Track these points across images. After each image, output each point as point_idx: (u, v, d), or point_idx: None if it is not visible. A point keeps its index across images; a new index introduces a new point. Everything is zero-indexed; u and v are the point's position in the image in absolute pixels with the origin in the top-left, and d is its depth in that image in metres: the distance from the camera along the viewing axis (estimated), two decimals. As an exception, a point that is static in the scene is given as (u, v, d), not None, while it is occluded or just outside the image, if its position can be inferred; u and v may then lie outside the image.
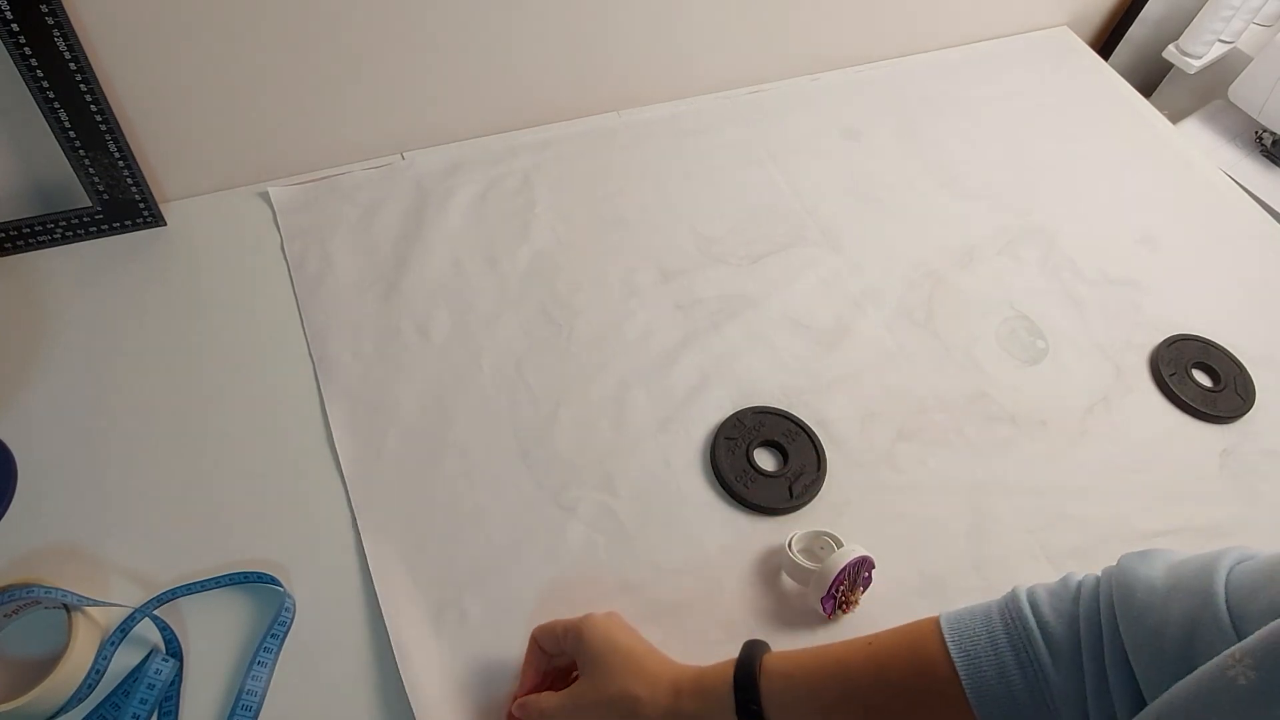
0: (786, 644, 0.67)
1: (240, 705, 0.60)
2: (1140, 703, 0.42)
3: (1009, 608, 0.50)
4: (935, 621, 0.52)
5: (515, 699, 0.60)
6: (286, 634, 0.64)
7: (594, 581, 0.69)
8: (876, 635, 0.54)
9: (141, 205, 0.83)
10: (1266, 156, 1.20)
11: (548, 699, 0.57)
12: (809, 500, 0.75)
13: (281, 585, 0.66)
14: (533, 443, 0.76)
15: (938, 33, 1.17)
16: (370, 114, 0.91)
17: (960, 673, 0.48)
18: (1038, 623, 0.48)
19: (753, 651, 0.55)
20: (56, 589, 0.60)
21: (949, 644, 0.50)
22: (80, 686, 0.59)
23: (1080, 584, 0.49)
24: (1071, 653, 0.47)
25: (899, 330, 0.88)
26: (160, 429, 0.73)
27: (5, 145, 0.76)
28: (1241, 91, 1.18)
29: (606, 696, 0.55)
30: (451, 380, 0.79)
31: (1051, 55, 1.22)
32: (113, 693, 0.60)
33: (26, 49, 0.68)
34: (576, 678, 0.58)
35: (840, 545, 0.69)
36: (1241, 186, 1.10)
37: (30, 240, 0.81)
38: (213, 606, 0.65)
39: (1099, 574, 0.50)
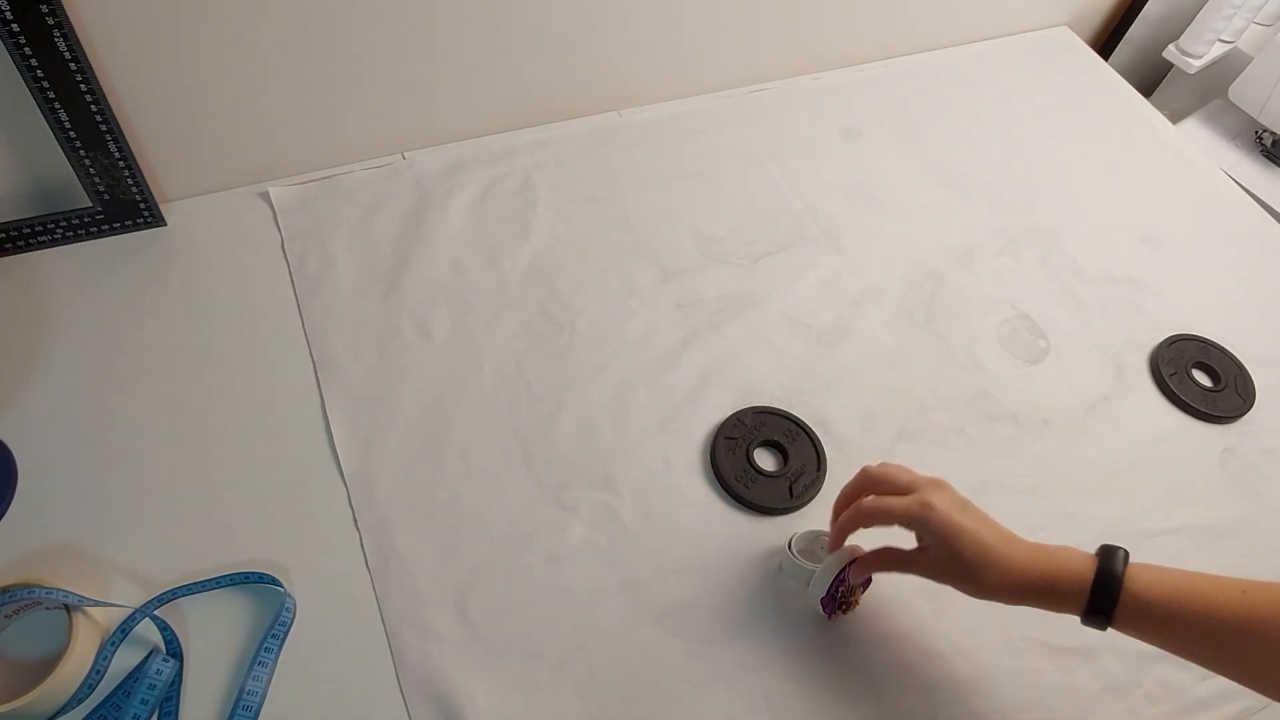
0: (786, 644, 0.67)
1: (240, 705, 0.60)
2: None
3: None
4: None
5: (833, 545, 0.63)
6: (287, 634, 0.64)
7: (594, 582, 0.69)
8: (1252, 582, 0.53)
9: (141, 205, 0.83)
10: (1266, 156, 1.20)
11: (897, 555, 0.61)
12: (809, 500, 0.75)
13: (282, 585, 0.66)
14: (533, 443, 0.76)
15: (938, 33, 1.17)
16: (370, 114, 0.91)
17: None
18: None
19: (1113, 562, 0.55)
20: (57, 589, 0.60)
21: None
22: (80, 687, 0.59)
23: None
24: None
25: (899, 330, 0.88)
26: (160, 429, 0.73)
27: (5, 145, 0.76)
28: (1241, 91, 1.18)
29: (955, 572, 0.58)
30: (451, 380, 0.79)
31: (1051, 55, 1.22)
32: (113, 693, 0.60)
33: (26, 49, 0.68)
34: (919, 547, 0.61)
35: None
36: (1241, 186, 1.10)
37: (30, 240, 0.81)
38: (213, 606, 0.65)
39: None
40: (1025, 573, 0.57)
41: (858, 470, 0.64)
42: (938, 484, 0.61)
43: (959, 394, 0.84)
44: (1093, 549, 0.75)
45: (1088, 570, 0.56)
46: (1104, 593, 0.54)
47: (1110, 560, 0.56)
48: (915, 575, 0.61)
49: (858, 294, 0.90)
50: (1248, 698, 0.69)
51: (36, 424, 0.72)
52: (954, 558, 0.58)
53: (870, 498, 0.62)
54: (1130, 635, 0.55)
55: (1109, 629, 0.56)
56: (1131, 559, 0.56)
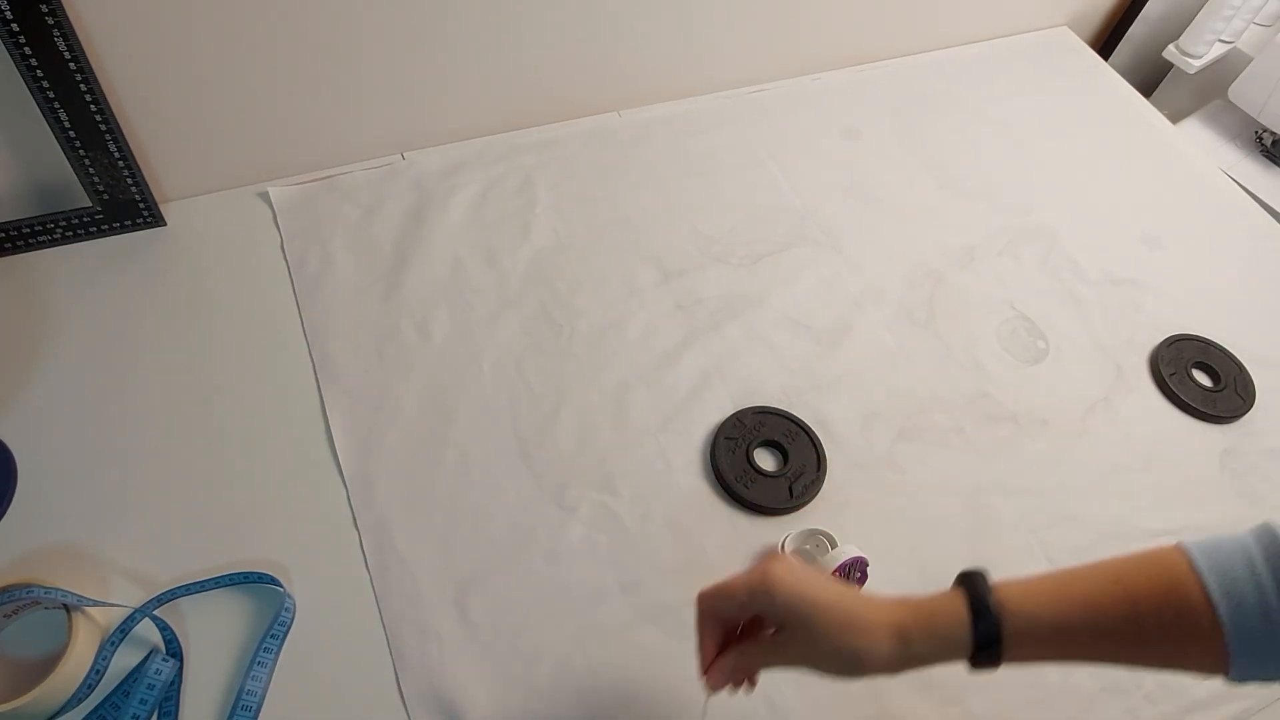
0: (787, 644, 0.67)
1: (240, 705, 0.60)
2: None
3: (1271, 544, 0.46)
4: (1185, 559, 0.47)
5: (704, 667, 0.54)
6: (286, 634, 0.64)
7: (594, 581, 0.69)
8: (1120, 570, 0.49)
9: (141, 205, 0.83)
10: (1266, 156, 1.20)
11: (753, 653, 0.53)
12: (809, 500, 0.75)
13: (281, 585, 0.66)
14: (533, 443, 0.76)
15: (938, 33, 1.17)
16: (370, 114, 0.91)
17: (1221, 614, 0.45)
18: None
19: (979, 587, 0.50)
20: (56, 589, 0.60)
21: (1207, 582, 0.46)
22: (80, 686, 0.59)
23: None
24: None
25: (899, 330, 0.88)
26: (160, 429, 0.73)
27: (5, 145, 0.76)
28: (1241, 91, 1.18)
29: (823, 654, 0.50)
30: (451, 380, 0.79)
31: (1051, 55, 1.22)
32: (113, 693, 0.60)
33: (26, 49, 0.68)
34: (773, 630, 0.53)
35: (835, 544, 0.69)
36: (1241, 186, 1.10)
37: (30, 240, 0.81)
38: (213, 606, 0.65)
39: None
40: (902, 631, 0.50)
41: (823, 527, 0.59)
42: (774, 557, 0.53)
43: (959, 394, 0.84)
44: (1093, 549, 0.75)
45: (959, 604, 0.50)
46: (982, 610, 0.49)
47: (973, 584, 0.51)
48: (779, 667, 0.53)
49: (858, 294, 0.90)
50: (1248, 698, 0.69)
51: (36, 424, 0.72)
52: (810, 623, 0.50)
53: (707, 588, 0.54)
54: (1023, 660, 0.50)
55: (1000, 665, 0.50)
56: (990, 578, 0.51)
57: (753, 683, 0.56)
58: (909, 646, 0.50)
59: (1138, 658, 0.49)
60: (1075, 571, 0.51)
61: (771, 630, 0.53)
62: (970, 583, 0.51)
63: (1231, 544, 0.47)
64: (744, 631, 0.55)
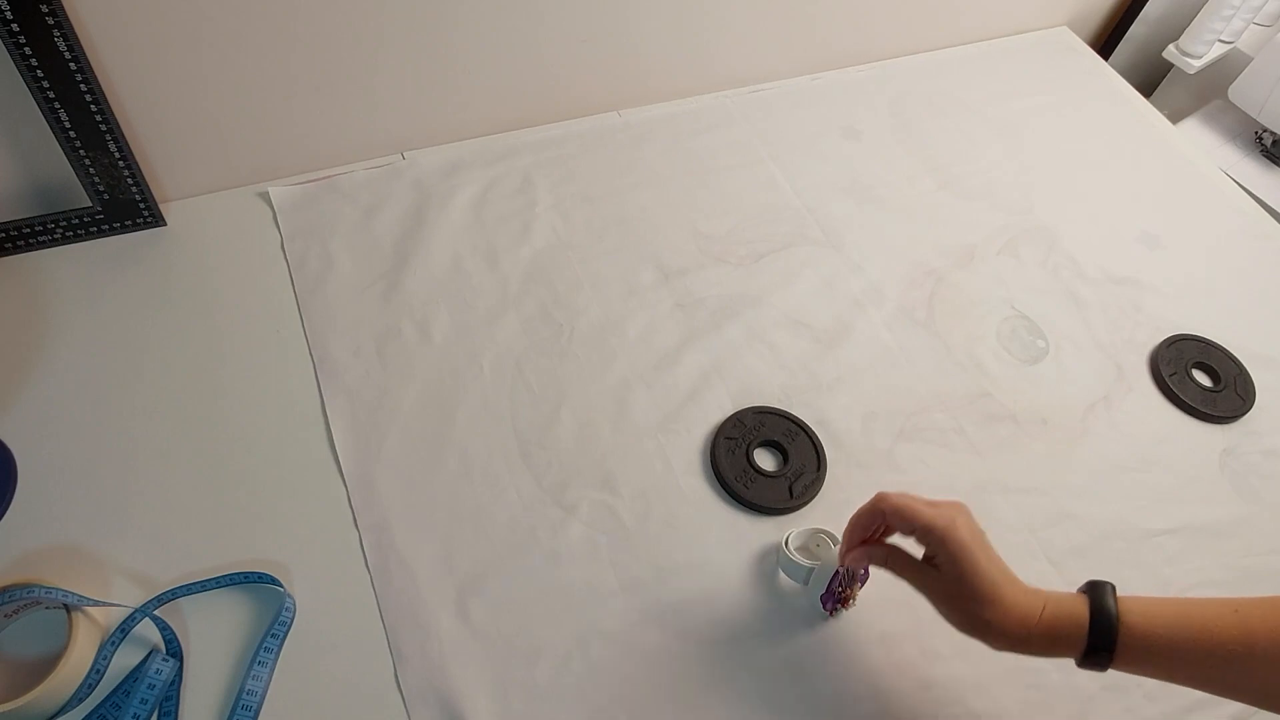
0: (786, 644, 0.67)
1: (240, 705, 0.60)
2: None
3: None
4: None
5: (847, 550, 0.62)
6: (286, 634, 0.64)
7: (594, 581, 0.69)
8: (1244, 601, 0.52)
9: (141, 205, 0.83)
10: (1266, 156, 1.20)
11: (905, 562, 0.59)
12: (809, 500, 0.75)
13: (282, 585, 0.66)
14: (533, 443, 0.76)
15: (938, 33, 1.17)
16: (370, 114, 0.91)
17: None
18: None
19: (1105, 599, 0.53)
20: (56, 589, 0.60)
21: None
22: (80, 686, 0.59)
23: None
24: None
25: (899, 329, 0.88)
26: (160, 429, 0.73)
27: (5, 145, 0.76)
28: (1241, 91, 1.18)
29: (958, 609, 0.56)
30: (451, 380, 0.79)
31: (1051, 55, 1.22)
32: (113, 693, 0.60)
33: (26, 49, 0.68)
34: (927, 557, 0.58)
35: (837, 542, 0.69)
36: (1241, 186, 1.10)
37: (30, 240, 0.81)
38: (213, 606, 0.65)
39: None
40: (1026, 620, 0.54)
41: (873, 494, 0.61)
42: (962, 508, 0.58)
43: (959, 393, 0.84)
44: (1093, 548, 0.75)
45: (1082, 611, 0.54)
46: (1103, 632, 0.52)
47: (1102, 597, 0.54)
48: (914, 587, 0.59)
49: (858, 294, 0.90)
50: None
51: (36, 424, 0.72)
52: (962, 581, 0.55)
53: (898, 493, 0.59)
54: (1130, 671, 0.54)
55: (1109, 669, 0.54)
56: (1119, 592, 0.54)
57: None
58: (1029, 636, 0.54)
59: (1246, 685, 0.51)
60: (1196, 599, 0.53)
61: (925, 555, 0.59)
62: (1096, 594, 0.54)
63: None
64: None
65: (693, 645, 0.67)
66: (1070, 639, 0.53)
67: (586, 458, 0.75)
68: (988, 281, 0.93)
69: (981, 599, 0.55)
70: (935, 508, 0.58)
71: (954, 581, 0.56)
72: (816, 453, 0.77)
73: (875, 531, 0.61)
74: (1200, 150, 1.14)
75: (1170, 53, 1.23)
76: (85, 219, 0.82)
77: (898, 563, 0.60)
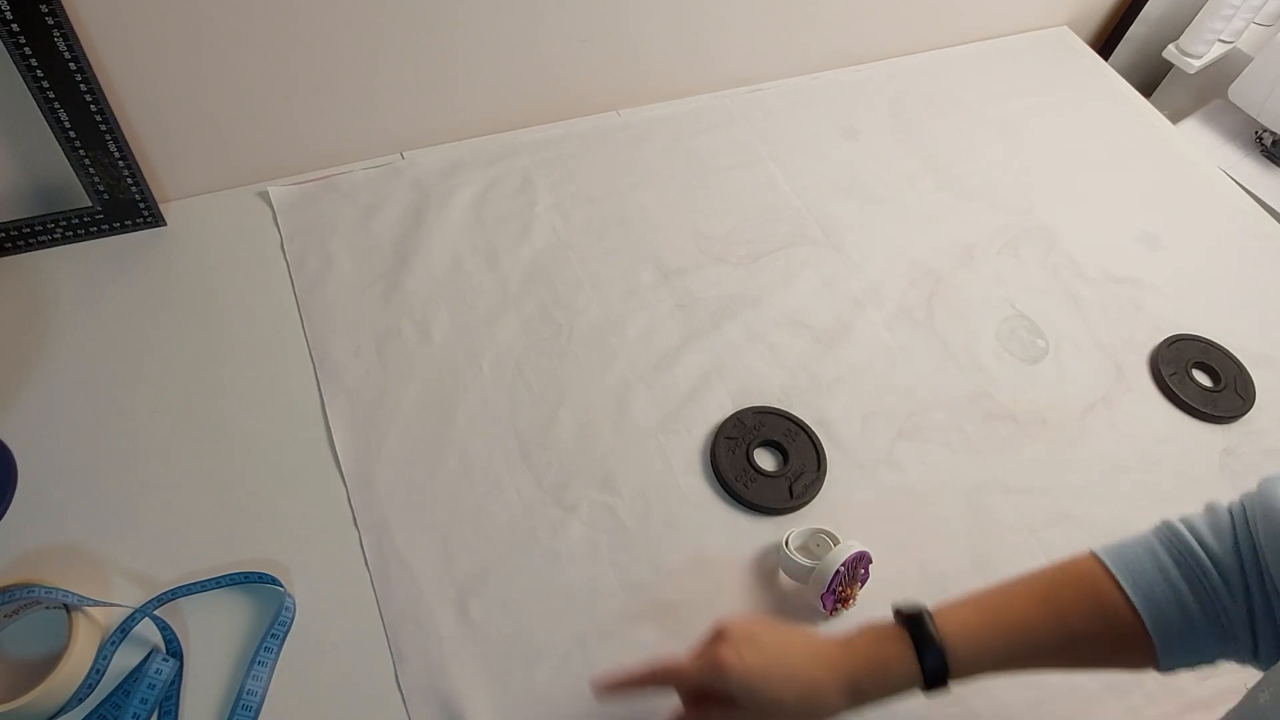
0: (787, 644, 0.67)
1: (240, 705, 0.60)
2: None
3: (1172, 541, 0.50)
4: (1101, 567, 0.51)
5: (612, 683, 0.56)
6: (286, 634, 0.64)
7: (594, 581, 0.69)
8: (1046, 590, 0.53)
9: (141, 205, 0.83)
10: (1266, 156, 1.20)
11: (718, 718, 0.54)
12: (809, 500, 0.75)
13: (282, 585, 0.66)
14: (533, 443, 0.76)
15: (938, 32, 1.17)
16: (370, 114, 0.91)
17: (1143, 615, 0.48)
18: (1205, 552, 0.48)
19: (924, 626, 0.52)
20: (56, 589, 0.60)
21: (1125, 588, 0.49)
22: (80, 686, 0.59)
23: (1230, 510, 0.49)
24: (1238, 576, 0.47)
25: (899, 329, 0.88)
26: (160, 429, 0.73)
27: (5, 145, 0.76)
28: (1241, 91, 1.18)
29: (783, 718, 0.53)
30: (451, 380, 0.79)
31: (1051, 55, 1.22)
32: (113, 693, 0.60)
33: (26, 49, 0.68)
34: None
35: (837, 541, 0.69)
36: (1241, 186, 1.10)
37: (30, 240, 0.81)
38: (213, 606, 0.65)
39: (1240, 499, 0.50)
40: (853, 680, 0.52)
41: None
42: (718, 633, 0.54)
43: (958, 393, 0.84)
44: (1092, 547, 0.75)
45: (904, 645, 0.52)
46: (931, 653, 0.51)
47: (915, 623, 0.52)
48: None
49: (858, 294, 0.90)
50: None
51: (36, 424, 0.72)
52: (767, 705, 0.51)
53: (659, 666, 0.55)
54: (969, 680, 0.52)
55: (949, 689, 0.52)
56: (927, 608, 0.53)
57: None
58: (863, 696, 0.52)
59: (1074, 664, 0.52)
60: (1004, 595, 0.54)
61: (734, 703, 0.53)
62: (911, 625, 0.53)
63: (1137, 545, 0.51)
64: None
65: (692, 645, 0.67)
66: (908, 678, 0.51)
67: (586, 458, 0.75)
68: (988, 281, 0.93)
69: (796, 699, 0.52)
70: (698, 657, 0.54)
71: (762, 707, 0.52)
72: (816, 453, 0.77)
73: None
74: (1200, 150, 1.14)
75: (1170, 53, 1.23)
76: (85, 219, 0.82)
77: None
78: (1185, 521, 0.51)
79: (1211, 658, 0.49)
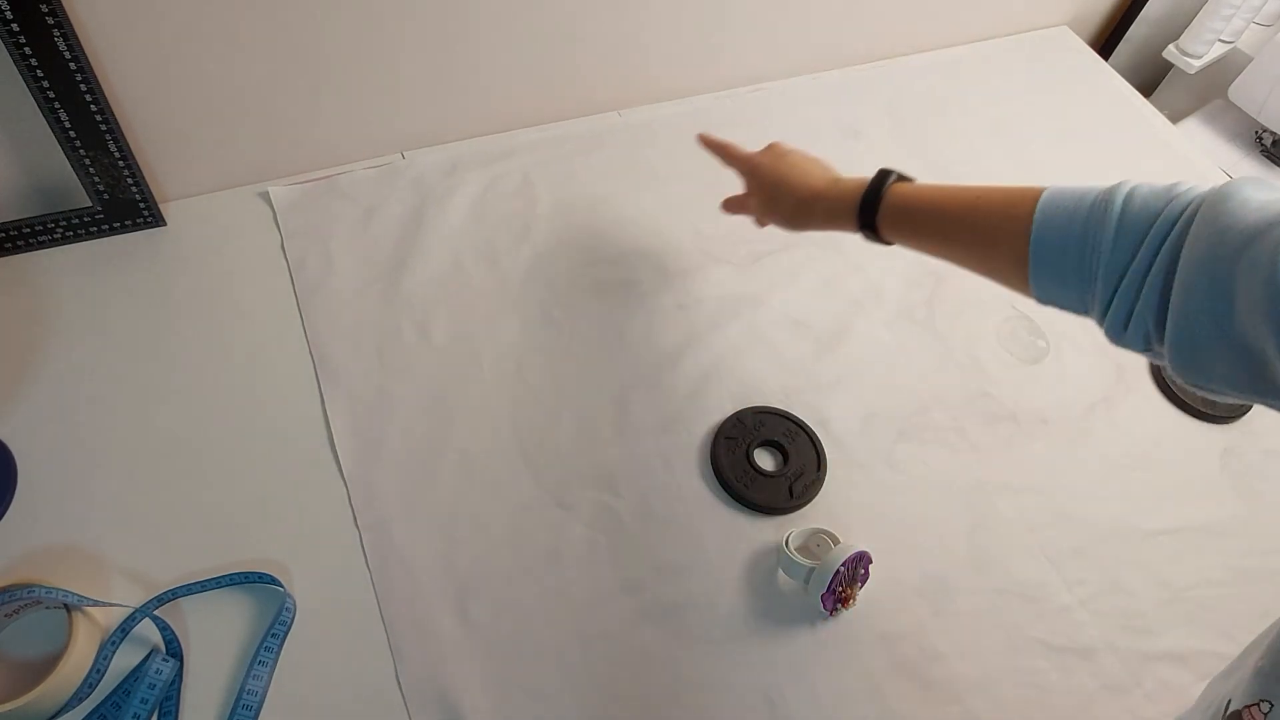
0: (786, 644, 0.67)
1: (241, 705, 0.60)
2: (1162, 315, 0.46)
3: (1107, 190, 0.51)
4: (1040, 189, 0.54)
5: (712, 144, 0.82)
6: (287, 634, 0.64)
7: (594, 581, 0.69)
8: (991, 188, 0.59)
9: (141, 205, 0.83)
10: (1266, 156, 1.20)
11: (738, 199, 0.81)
12: (809, 500, 0.75)
13: (282, 585, 0.66)
14: (533, 443, 0.76)
15: (938, 33, 1.17)
16: (370, 114, 0.91)
17: (1034, 226, 0.52)
18: (1123, 205, 0.50)
19: (884, 179, 0.65)
20: (56, 589, 0.60)
21: (1039, 204, 0.53)
22: (80, 686, 0.59)
23: (1186, 190, 0.50)
24: (1136, 236, 0.48)
25: (899, 330, 0.88)
26: (160, 429, 0.73)
27: (5, 145, 0.76)
28: (1241, 91, 1.18)
29: (767, 209, 0.77)
30: (451, 380, 0.79)
31: (1051, 55, 1.22)
32: (113, 693, 0.60)
33: (26, 49, 0.68)
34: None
35: (837, 541, 0.69)
36: (1241, 186, 1.09)
37: (30, 240, 0.81)
38: (213, 606, 0.65)
39: (1203, 194, 0.50)
40: (815, 192, 0.70)
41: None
42: (769, 148, 0.78)
43: (959, 394, 0.83)
44: (1093, 548, 0.75)
45: (862, 184, 0.66)
46: (872, 192, 0.64)
47: (882, 176, 0.65)
48: (751, 214, 0.80)
49: (858, 294, 0.90)
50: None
51: (36, 424, 0.72)
52: (763, 189, 0.76)
53: (749, 152, 0.79)
54: (897, 239, 0.65)
55: (882, 239, 0.66)
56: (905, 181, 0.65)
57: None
58: (812, 206, 0.71)
59: (967, 244, 0.60)
60: (965, 186, 0.61)
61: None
62: (879, 176, 0.66)
63: (1084, 188, 0.53)
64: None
65: (693, 645, 0.67)
66: (848, 206, 0.66)
67: (586, 458, 0.75)
68: (988, 281, 0.93)
69: (776, 190, 0.74)
70: (753, 154, 0.79)
71: (759, 191, 0.77)
72: (816, 453, 0.77)
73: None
74: (1200, 150, 1.14)
75: (1170, 53, 1.23)
76: (85, 219, 0.82)
77: (741, 203, 0.81)
78: (1137, 183, 0.51)
79: (1072, 297, 0.52)
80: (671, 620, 0.68)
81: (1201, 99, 1.28)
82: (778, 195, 0.74)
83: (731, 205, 0.83)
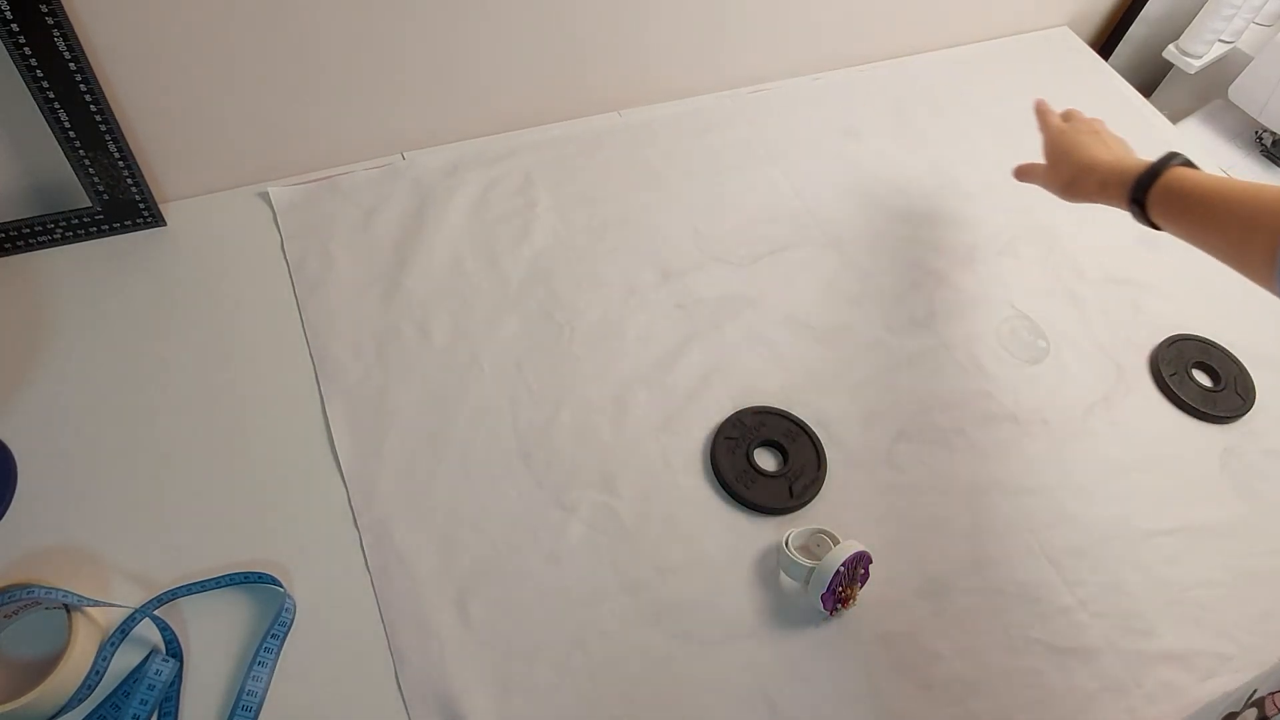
0: (786, 644, 0.67)
1: (240, 705, 0.60)
2: None
3: None
4: None
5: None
6: (287, 634, 0.64)
7: (594, 581, 0.69)
8: (1265, 185, 0.61)
9: (141, 205, 0.83)
10: (1266, 156, 1.20)
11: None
12: (809, 500, 0.75)
13: (282, 586, 0.66)
14: (533, 443, 0.76)
15: (938, 33, 1.17)
16: (370, 114, 0.91)
17: None
18: None
19: (1168, 160, 0.68)
20: (56, 589, 0.60)
21: None
22: (80, 687, 0.59)
23: None
24: None
25: (899, 330, 0.88)
26: (161, 429, 0.73)
27: (5, 145, 0.76)
28: (1241, 91, 1.18)
29: (1050, 172, 0.82)
30: (451, 380, 0.79)
31: (1051, 55, 1.22)
32: (113, 693, 0.60)
33: (26, 49, 0.68)
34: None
35: (837, 541, 0.69)
36: (1242, 186, 1.10)
37: (30, 240, 0.81)
38: (213, 606, 0.65)
39: None
40: (1094, 161, 0.74)
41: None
42: (1067, 113, 0.85)
43: (959, 394, 0.83)
44: (1093, 549, 0.75)
45: (1141, 165, 0.69)
46: (1146, 179, 0.67)
47: (1166, 159, 0.68)
48: (1037, 180, 0.83)
49: (858, 294, 0.90)
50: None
51: (36, 424, 0.72)
52: (1052, 152, 0.81)
53: (1058, 122, 0.84)
54: (1162, 219, 0.68)
55: (1150, 222, 0.69)
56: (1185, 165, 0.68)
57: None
58: (1086, 177, 0.76)
59: (1224, 232, 0.62)
60: (1236, 179, 0.65)
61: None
62: (1164, 158, 0.69)
63: None
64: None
65: (693, 645, 0.67)
66: (1119, 182, 0.70)
67: (586, 458, 0.75)
68: (988, 281, 0.93)
69: (1057, 161, 0.80)
70: (1058, 131, 0.83)
71: (1048, 157, 0.82)
72: (816, 453, 0.77)
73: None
74: (1200, 150, 1.14)
75: (1170, 53, 1.23)
76: (85, 219, 0.82)
77: (1030, 174, 0.86)
78: None
79: None
80: (671, 620, 0.68)
81: (1201, 99, 1.28)
82: (1061, 160, 0.78)
83: (1023, 171, 0.86)
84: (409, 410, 0.76)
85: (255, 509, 0.70)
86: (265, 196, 0.90)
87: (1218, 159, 1.17)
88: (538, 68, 0.95)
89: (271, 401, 0.76)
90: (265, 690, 0.61)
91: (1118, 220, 1.01)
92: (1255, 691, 0.44)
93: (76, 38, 0.69)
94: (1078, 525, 0.76)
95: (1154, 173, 0.68)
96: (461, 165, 0.95)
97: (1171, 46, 1.23)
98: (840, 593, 0.66)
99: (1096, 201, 0.75)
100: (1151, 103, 1.18)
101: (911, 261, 0.94)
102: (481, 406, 0.77)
